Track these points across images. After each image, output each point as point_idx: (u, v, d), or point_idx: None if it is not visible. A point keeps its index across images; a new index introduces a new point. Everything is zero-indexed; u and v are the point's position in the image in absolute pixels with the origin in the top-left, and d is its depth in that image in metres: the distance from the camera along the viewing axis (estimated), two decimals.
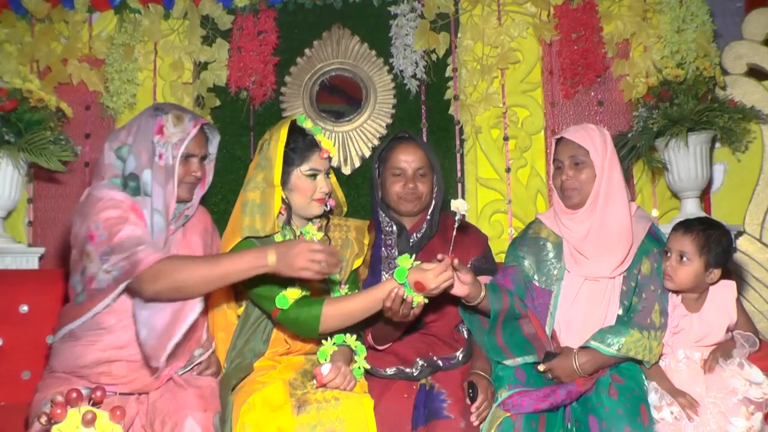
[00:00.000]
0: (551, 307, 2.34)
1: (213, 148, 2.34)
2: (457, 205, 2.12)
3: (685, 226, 2.29)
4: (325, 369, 2.12)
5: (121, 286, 2.02)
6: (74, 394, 1.66)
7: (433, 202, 2.52)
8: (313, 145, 2.32)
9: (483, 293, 2.25)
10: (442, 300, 2.26)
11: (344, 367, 2.16)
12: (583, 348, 2.23)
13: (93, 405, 1.70)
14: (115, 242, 2.02)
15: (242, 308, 2.32)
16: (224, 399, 2.13)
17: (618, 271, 2.29)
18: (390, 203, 2.51)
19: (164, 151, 2.15)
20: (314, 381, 2.15)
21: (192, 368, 2.21)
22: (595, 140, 2.33)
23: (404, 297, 2.08)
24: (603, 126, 3.42)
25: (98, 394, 1.72)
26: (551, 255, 2.38)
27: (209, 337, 2.30)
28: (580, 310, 2.31)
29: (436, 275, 2.06)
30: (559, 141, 2.40)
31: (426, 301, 2.12)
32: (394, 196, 2.48)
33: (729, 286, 2.28)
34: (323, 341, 2.24)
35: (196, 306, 2.00)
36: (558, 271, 2.36)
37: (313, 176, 2.31)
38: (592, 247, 2.31)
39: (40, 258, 3.37)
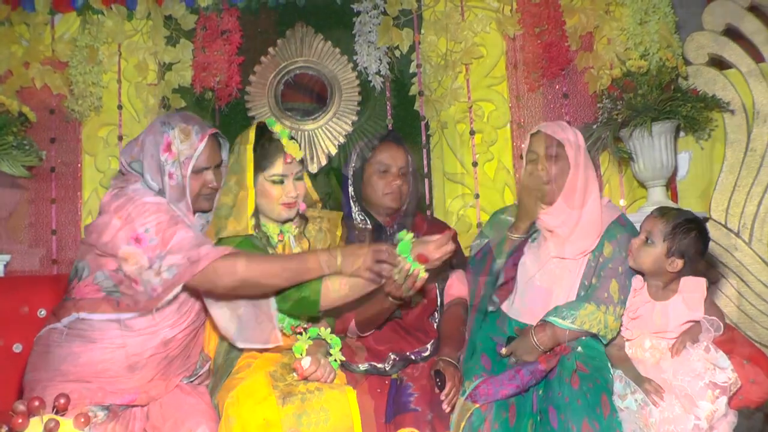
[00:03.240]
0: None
1: (225, 154, 2.30)
2: None
3: (661, 211, 2.34)
4: (306, 362, 2.15)
5: (177, 289, 2.02)
6: (36, 403, 1.65)
7: (407, 200, 2.56)
8: (278, 150, 2.30)
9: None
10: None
11: (323, 359, 2.20)
12: (541, 323, 2.28)
13: (56, 413, 1.69)
14: (171, 246, 2.01)
15: None
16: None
17: (580, 255, 2.36)
18: (372, 200, 2.53)
19: (174, 170, 2.12)
20: (295, 374, 2.17)
21: (194, 379, 2.22)
22: (569, 135, 2.40)
23: (410, 271, 2.13)
24: (567, 117, 3.52)
25: (62, 401, 1.71)
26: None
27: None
28: (543, 290, 2.36)
29: (438, 246, 2.14)
30: (533, 135, 2.46)
31: (426, 275, 2.17)
32: (379, 192, 2.51)
33: (698, 284, 2.29)
34: (298, 336, 2.25)
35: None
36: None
37: (279, 181, 2.30)
38: (562, 234, 2.37)
39: (5, 265, 3.33)
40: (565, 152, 2.37)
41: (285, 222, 2.39)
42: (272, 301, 2.17)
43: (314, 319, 2.32)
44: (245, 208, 2.25)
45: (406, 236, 2.17)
